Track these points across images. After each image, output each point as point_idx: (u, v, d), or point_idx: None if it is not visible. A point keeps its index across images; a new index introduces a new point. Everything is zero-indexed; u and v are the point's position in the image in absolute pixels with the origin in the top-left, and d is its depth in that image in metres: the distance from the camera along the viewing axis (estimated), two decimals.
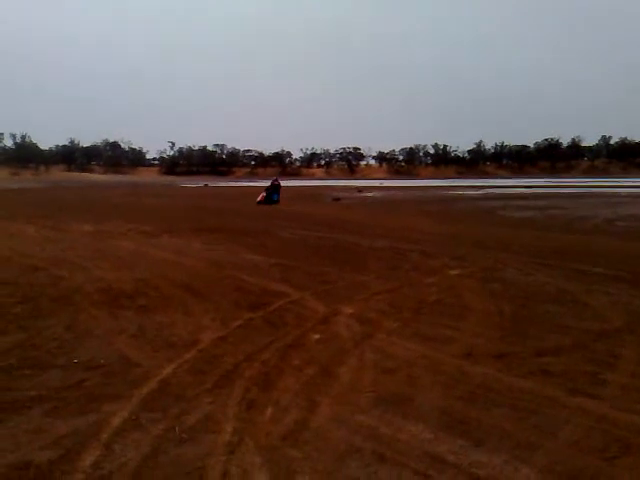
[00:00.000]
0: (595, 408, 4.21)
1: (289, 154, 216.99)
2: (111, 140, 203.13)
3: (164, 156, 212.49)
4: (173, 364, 5.17)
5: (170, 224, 18.83)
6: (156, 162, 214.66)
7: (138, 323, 6.60)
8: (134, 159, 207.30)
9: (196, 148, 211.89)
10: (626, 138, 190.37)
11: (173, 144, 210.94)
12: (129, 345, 5.81)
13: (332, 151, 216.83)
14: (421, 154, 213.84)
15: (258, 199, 32.10)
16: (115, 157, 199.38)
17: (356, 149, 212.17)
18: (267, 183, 35.85)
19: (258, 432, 3.84)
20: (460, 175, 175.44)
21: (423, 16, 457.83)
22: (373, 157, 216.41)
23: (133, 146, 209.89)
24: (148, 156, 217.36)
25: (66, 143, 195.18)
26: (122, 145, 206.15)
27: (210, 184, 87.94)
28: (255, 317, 6.83)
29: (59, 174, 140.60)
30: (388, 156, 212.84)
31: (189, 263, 10.84)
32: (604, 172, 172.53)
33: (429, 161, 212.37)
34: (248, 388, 4.60)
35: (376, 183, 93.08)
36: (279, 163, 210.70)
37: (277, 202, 32.01)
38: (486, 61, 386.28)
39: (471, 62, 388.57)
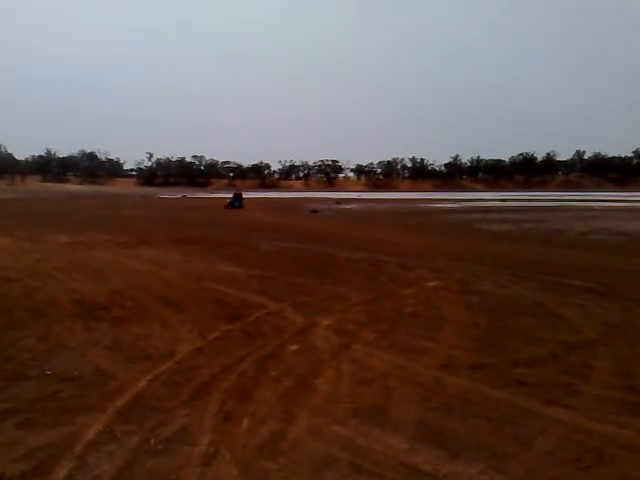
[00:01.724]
0: (569, 418, 4.26)
1: (268, 166, 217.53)
2: (88, 151, 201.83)
3: (142, 167, 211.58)
4: (149, 376, 5.12)
5: (147, 235, 18.70)
6: (133, 173, 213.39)
7: (113, 335, 6.52)
8: (111, 170, 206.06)
9: (174, 159, 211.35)
10: (599, 153, 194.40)
11: (151, 155, 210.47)
12: (104, 357, 5.74)
13: (311, 163, 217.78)
14: (399, 167, 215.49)
15: (225, 204, 43.50)
16: (92, 168, 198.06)
17: (334, 162, 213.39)
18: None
19: (234, 444, 3.81)
20: (437, 188, 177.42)
21: (404, 30, 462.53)
22: (351, 170, 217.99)
23: (110, 157, 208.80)
24: (125, 167, 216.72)
25: (42, 153, 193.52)
26: (99, 156, 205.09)
27: (188, 195, 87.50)
28: (232, 329, 6.80)
29: (35, 184, 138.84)
30: (366, 169, 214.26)
31: (166, 274, 10.76)
32: (578, 186, 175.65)
33: (407, 174, 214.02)
34: (224, 400, 4.57)
35: (354, 195, 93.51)
36: (257, 175, 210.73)
37: (239, 207, 42.29)
38: (464, 77, 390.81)
39: (450, 77, 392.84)
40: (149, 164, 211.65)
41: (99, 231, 19.93)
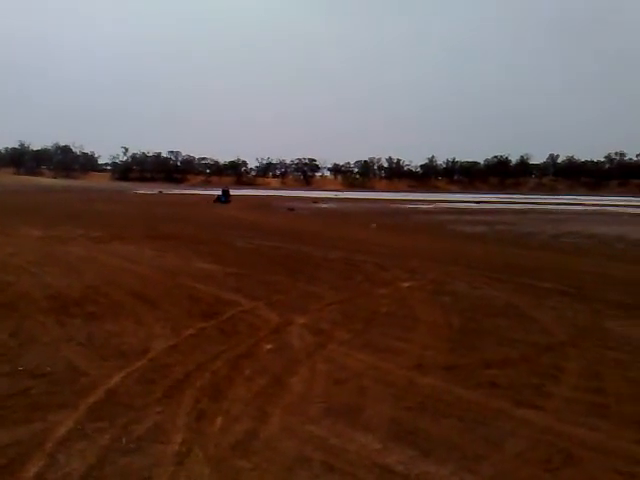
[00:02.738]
0: (540, 420, 4.33)
1: (245, 163, 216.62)
2: (62, 144, 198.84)
3: (117, 161, 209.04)
4: (122, 373, 5.08)
5: (122, 230, 18.52)
6: (108, 167, 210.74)
7: (87, 331, 6.46)
8: (85, 164, 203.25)
9: (150, 154, 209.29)
10: (572, 157, 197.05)
11: (126, 149, 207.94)
12: (77, 353, 5.68)
13: (288, 161, 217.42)
14: (375, 167, 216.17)
15: (214, 199, 48.25)
16: (66, 161, 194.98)
17: (312, 160, 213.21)
18: (220, 191, 51.50)
19: (207, 442, 3.80)
20: (413, 189, 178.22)
21: (385, 33, 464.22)
22: (328, 169, 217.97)
23: (85, 150, 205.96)
24: (100, 161, 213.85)
25: (15, 146, 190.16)
26: (73, 149, 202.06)
27: (164, 191, 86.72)
28: (207, 326, 6.77)
29: (7, 177, 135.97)
30: (343, 168, 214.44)
31: (141, 270, 10.68)
32: (551, 189, 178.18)
33: (383, 174, 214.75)
34: (198, 398, 4.55)
35: (331, 194, 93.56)
36: (234, 172, 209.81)
37: (225, 202, 46.35)
38: (443, 79, 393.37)
39: (429, 80, 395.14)
40: (124, 159, 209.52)
41: (73, 226, 19.69)
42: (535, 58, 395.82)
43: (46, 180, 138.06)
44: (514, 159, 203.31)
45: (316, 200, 60.45)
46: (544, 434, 4.07)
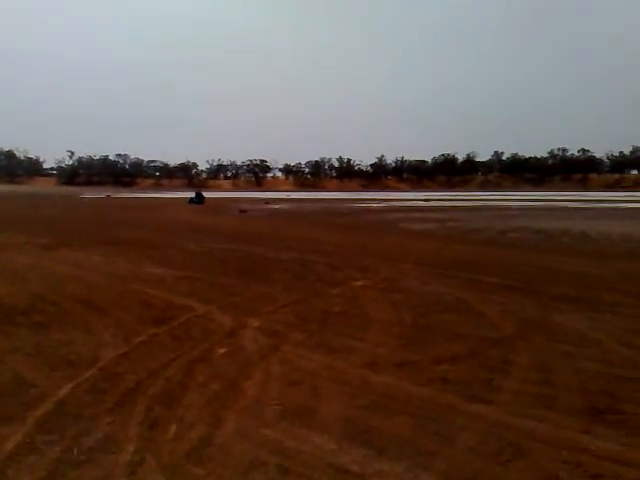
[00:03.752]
0: (490, 414, 4.43)
1: (195, 165, 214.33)
2: (5, 149, 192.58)
3: (63, 166, 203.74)
4: (71, 383, 4.96)
5: (69, 236, 18.10)
6: (54, 172, 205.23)
7: (34, 341, 6.29)
8: (30, 169, 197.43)
9: (97, 158, 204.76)
10: (517, 154, 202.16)
11: (72, 153, 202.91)
12: (24, 364, 5.53)
13: (239, 163, 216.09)
14: (326, 167, 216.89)
15: (188, 200, 52.57)
16: (10, 167, 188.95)
17: (263, 161, 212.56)
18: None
19: (161, 450, 3.76)
20: (364, 188, 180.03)
21: (334, 35, 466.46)
22: (279, 169, 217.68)
23: (29, 155, 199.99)
24: (46, 165, 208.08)
25: None
26: (17, 154, 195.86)
27: (112, 195, 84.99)
28: (159, 332, 6.68)
29: None
30: (294, 169, 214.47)
31: (89, 277, 10.45)
32: (497, 186, 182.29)
33: (334, 174, 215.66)
34: (151, 406, 4.49)
35: (283, 195, 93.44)
36: (185, 174, 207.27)
37: (199, 203, 50.43)
38: (390, 79, 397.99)
39: (377, 80, 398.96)
40: (71, 163, 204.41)
41: (18, 232, 19.13)
42: (482, 54, 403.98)
43: None
44: (461, 157, 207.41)
45: (268, 201, 60.32)
46: (494, 427, 4.17)
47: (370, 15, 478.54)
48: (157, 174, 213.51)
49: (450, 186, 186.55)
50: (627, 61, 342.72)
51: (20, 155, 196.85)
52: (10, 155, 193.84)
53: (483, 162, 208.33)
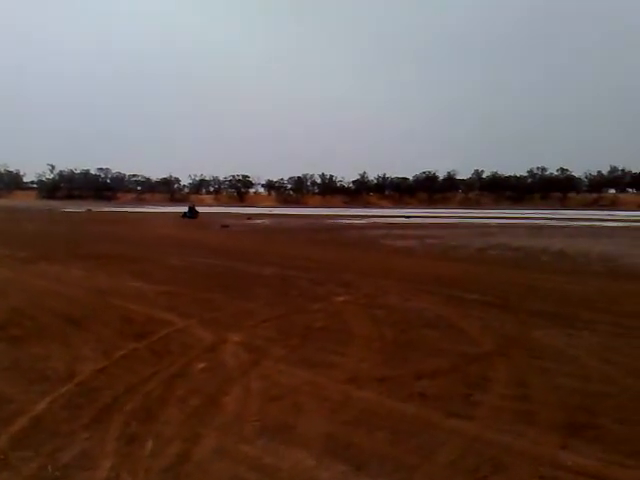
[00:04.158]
0: (469, 429, 4.45)
1: (177, 180, 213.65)
2: None
3: (43, 179, 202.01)
4: (48, 398, 4.90)
5: (49, 250, 17.92)
6: (34, 186, 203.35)
7: (11, 355, 6.22)
8: (10, 182, 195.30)
9: (78, 171, 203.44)
10: (496, 172, 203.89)
11: (53, 167, 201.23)
12: (1, 379, 5.45)
13: (221, 178, 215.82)
14: (309, 183, 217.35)
15: (181, 215, 52.84)
16: None
17: (245, 177, 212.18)
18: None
19: (137, 467, 3.72)
20: (346, 204, 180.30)
21: (310, 48, 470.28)
22: (262, 185, 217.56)
23: (9, 169, 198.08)
24: (26, 179, 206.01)
25: None
26: None
27: (93, 209, 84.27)
28: (139, 347, 6.63)
29: None
30: (277, 184, 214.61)
31: (69, 291, 10.34)
32: (477, 203, 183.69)
33: (316, 190, 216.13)
34: (128, 422, 4.45)
35: (265, 211, 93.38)
36: (167, 189, 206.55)
37: (191, 217, 50.97)
38: (372, 97, 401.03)
39: (360, 95, 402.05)
40: (51, 176, 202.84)
41: None
42: (463, 80, 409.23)
43: None
44: (441, 175, 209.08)
45: (250, 217, 60.20)
46: (473, 443, 4.20)
47: (353, 31, 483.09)
48: (139, 188, 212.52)
49: (431, 203, 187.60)
50: (610, 83, 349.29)
51: (0, 169, 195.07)
52: None
53: (464, 180, 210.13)
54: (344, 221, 53.65)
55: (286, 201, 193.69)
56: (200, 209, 60.65)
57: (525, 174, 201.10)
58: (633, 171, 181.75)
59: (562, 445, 4.19)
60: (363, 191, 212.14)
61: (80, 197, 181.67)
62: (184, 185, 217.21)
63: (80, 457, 3.85)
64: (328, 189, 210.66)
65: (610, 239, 29.64)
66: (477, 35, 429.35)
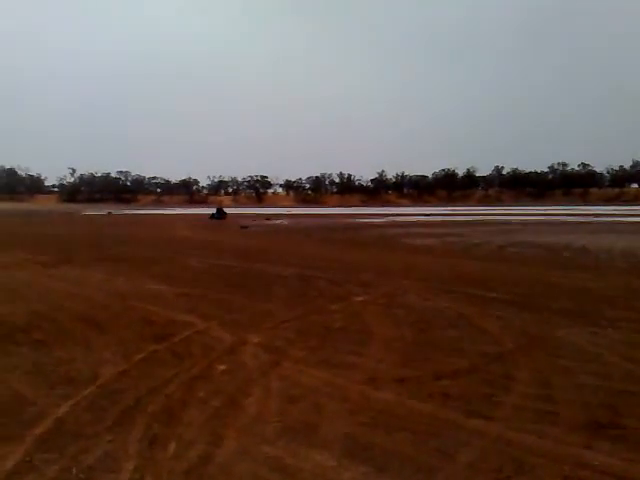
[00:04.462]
0: (491, 429, 4.42)
1: (196, 182, 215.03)
2: (7, 167, 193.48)
3: (64, 183, 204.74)
4: (71, 401, 4.96)
5: (70, 254, 18.11)
6: (55, 189, 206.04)
7: (33, 359, 6.29)
8: (32, 186, 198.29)
9: (98, 175, 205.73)
10: (517, 169, 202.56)
11: (74, 170, 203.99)
12: (23, 382, 5.52)
13: (240, 179, 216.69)
14: (327, 183, 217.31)
15: (210, 216, 53.67)
16: (11, 184, 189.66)
17: (263, 177, 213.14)
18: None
19: (160, 469, 3.75)
20: (364, 203, 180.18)
21: (334, 49, 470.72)
22: (280, 185, 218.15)
23: (31, 173, 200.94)
24: (47, 183, 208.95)
25: None
26: (19, 172, 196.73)
27: (114, 212, 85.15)
28: (159, 349, 6.68)
29: None
30: (295, 184, 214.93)
31: (89, 294, 10.45)
32: (497, 200, 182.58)
33: (334, 190, 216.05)
34: (150, 424, 4.48)
35: (284, 211, 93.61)
36: (186, 191, 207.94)
37: (219, 218, 51.67)
38: (391, 94, 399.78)
39: (377, 94, 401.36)
40: (72, 180, 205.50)
41: (18, 250, 19.16)
42: (476, 69, 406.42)
43: None
44: (461, 172, 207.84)
45: (269, 217, 60.40)
46: (495, 443, 4.16)
47: (370, 32, 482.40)
48: (158, 190, 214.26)
49: (450, 201, 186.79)
50: (628, 78, 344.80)
51: (21, 173, 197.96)
52: (11, 173, 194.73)
53: (483, 177, 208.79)
54: (362, 220, 53.58)
55: (304, 201, 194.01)
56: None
57: (546, 170, 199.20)
58: None
59: (586, 445, 4.14)
60: (381, 190, 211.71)
61: (101, 200, 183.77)
62: (203, 186, 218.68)
63: (103, 459, 3.89)
64: (346, 188, 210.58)
65: (633, 235, 29.24)
66: (494, 28, 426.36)
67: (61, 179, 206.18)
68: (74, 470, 3.72)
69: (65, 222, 49.56)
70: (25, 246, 21.15)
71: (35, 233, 31.92)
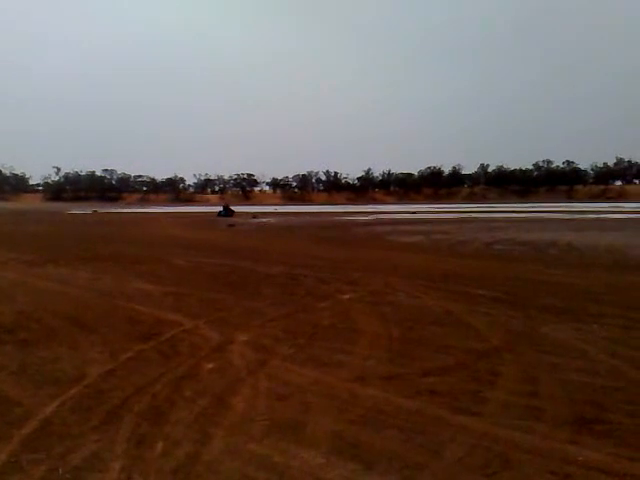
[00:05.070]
0: (477, 426, 4.44)
1: (182, 180, 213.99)
2: None
3: (49, 182, 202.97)
4: (56, 401, 4.92)
5: (55, 253, 17.98)
6: (40, 188, 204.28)
7: (19, 359, 6.24)
8: (16, 185, 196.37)
9: (83, 173, 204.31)
10: (502, 166, 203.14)
11: (59, 169, 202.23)
12: (8, 383, 5.48)
13: (226, 177, 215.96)
14: (313, 181, 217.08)
15: (217, 213, 56.07)
16: None
17: (250, 175, 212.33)
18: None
19: (148, 468, 3.73)
20: (351, 201, 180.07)
21: (325, 47, 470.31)
22: (267, 183, 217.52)
23: (15, 172, 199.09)
24: (32, 182, 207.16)
25: None
26: (3, 171, 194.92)
27: (99, 210, 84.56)
28: (146, 348, 6.65)
29: None
30: (282, 182, 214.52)
31: (76, 294, 10.38)
32: (483, 198, 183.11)
33: (321, 187, 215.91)
34: (138, 423, 4.46)
35: (270, 209, 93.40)
36: (172, 189, 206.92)
37: (226, 215, 53.26)
38: (373, 92, 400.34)
39: (361, 92, 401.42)
40: (57, 179, 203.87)
41: (3, 249, 18.99)
42: (462, 68, 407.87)
43: None
44: (447, 170, 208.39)
45: (256, 215, 60.19)
46: (482, 439, 4.18)
47: (358, 32, 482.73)
48: (144, 189, 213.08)
49: (437, 198, 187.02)
50: (612, 76, 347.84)
51: (6, 172, 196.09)
52: None
53: (469, 174, 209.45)
54: (349, 218, 53.62)
55: (291, 199, 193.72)
56: (207, 209, 60.93)
57: (531, 167, 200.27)
58: None
59: (572, 440, 4.18)
60: (368, 188, 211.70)
61: (86, 199, 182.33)
62: (189, 185, 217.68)
63: (90, 459, 3.86)
64: (333, 186, 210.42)
65: (618, 231, 29.51)
66: (479, 27, 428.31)
67: (46, 178, 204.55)
68: (61, 470, 3.69)
69: (50, 221, 49.15)
70: (10, 245, 20.98)
71: (20, 232, 31.63)
